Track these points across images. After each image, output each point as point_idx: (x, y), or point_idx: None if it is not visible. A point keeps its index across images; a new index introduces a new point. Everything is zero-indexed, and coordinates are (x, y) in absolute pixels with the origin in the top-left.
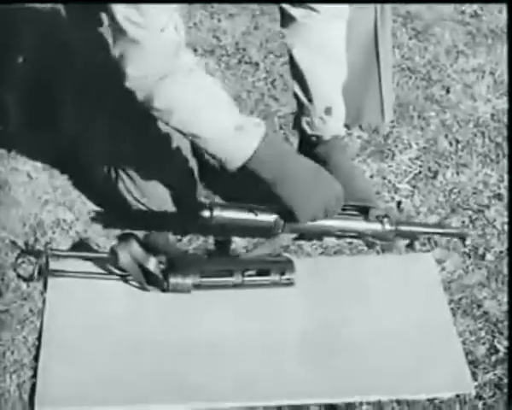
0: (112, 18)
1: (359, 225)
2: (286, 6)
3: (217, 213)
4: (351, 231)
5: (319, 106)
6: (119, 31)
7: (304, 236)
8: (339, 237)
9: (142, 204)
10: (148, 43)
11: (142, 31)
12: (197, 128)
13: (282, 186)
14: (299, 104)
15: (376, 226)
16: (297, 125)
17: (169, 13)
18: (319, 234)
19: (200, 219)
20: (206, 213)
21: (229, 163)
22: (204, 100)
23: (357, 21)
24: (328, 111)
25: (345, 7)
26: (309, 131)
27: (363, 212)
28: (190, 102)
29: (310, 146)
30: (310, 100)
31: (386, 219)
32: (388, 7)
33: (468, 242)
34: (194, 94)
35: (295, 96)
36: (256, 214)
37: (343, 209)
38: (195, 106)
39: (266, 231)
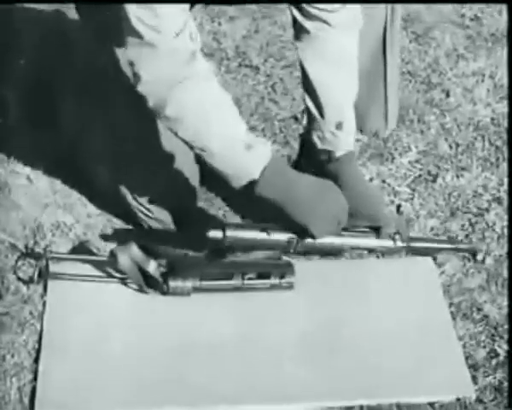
0: (125, 19)
1: (371, 242)
2: (299, 18)
3: (229, 233)
4: (363, 249)
5: (331, 120)
6: (132, 33)
7: (317, 253)
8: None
9: (144, 206)
10: (163, 46)
11: (157, 34)
12: (206, 141)
13: (292, 206)
14: (311, 118)
15: (388, 243)
16: (305, 139)
17: (184, 18)
18: (332, 252)
19: (211, 240)
20: (219, 234)
21: (234, 180)
22: (216, 113)
23: (367, 25)
24: (339, 126)
25: (358, 19)
26: (320, 146)
27: (375, 230)
28: (202, 112)
29: (320, 161)
30: (321, 114)
31: (397, 236)
32: (399, 14)
33: (479, 257)
34: (206, 105)
35: (307, 109)
36: (269, 234)
37: (354, 228)
38: (207, 117)
39: (280, 250)
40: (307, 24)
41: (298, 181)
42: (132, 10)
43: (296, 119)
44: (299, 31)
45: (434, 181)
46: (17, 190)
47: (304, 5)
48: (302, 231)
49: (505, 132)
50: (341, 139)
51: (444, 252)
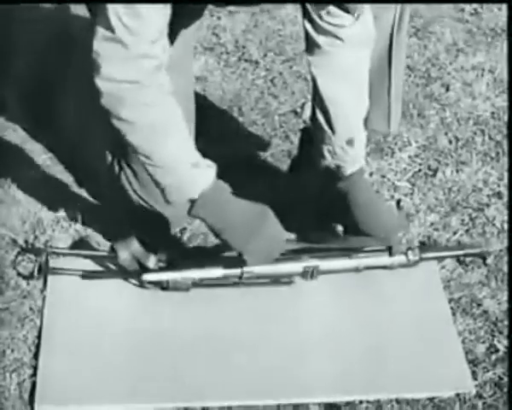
0: (102, 9)
1: (384, 260)
2: (311, 33)
3: (246, 269)
4: (377, 267)
5: (341, 136)
6: (105, 25)
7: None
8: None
9: (145, 201)
10: (134, 49)
11: (131, 36)
12: (154, 150)
13: (227, 233)
14: (322, 132)
15: (401, 259)
16: (308, 146)
17: (162, 28)
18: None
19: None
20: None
21: (172, 195)
22: (171, 127)
23: (375, 25)
24: (350, 142)
25: (370, 36)
26: (329, 160)
27: (387, 249)
28: (157, 123)
29: (329, 175)
30: (332, 129)
31: (410, 252)
32: (407, 17)
33: (489, 260)
34: (163, 117)
35: (318, 124)
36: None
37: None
38: (161, 129)
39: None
40: (319, 39)
41: (234, 208)
42: (111, 4)
43: (296, 113)
44: (311, 45)
45: (434, 176)
46: (17, 186)
47: (316, 19)
48: (238, 256)
49: (505, 127)
50: (352, 156)
51: (454, 258)
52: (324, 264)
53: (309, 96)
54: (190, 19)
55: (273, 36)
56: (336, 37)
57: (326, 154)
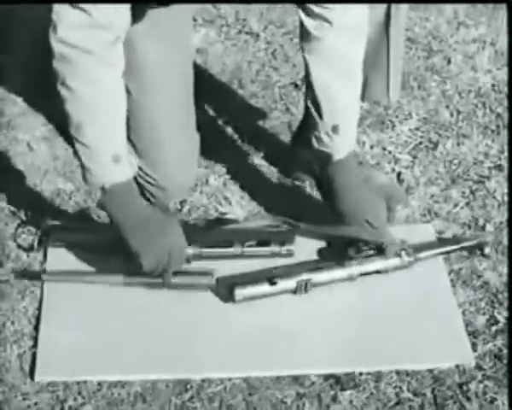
0: None
1: (379, 264)
2: (303, 18)
3: (238, 291)
4: (372, 273)
5: (327, 122)
6: None
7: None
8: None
9: (144, 172)
10: (97, 19)
11: (96, 7)
12: (83, 127)
13: (127, 232)
14: (311, 118)
15: (395, 262)
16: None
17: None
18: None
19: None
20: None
21: (87, 177)
22: (109, 105)
23: None
24: (334, 129)
25: (363, 21)
26: (316, 146)
27: (379, 250)
28: (95, 99)
29: (318, 164)
30: (320, 116)
31: (403, 252)
32: None
33: (487, 251)
34: (103, 95)
35: (307, 108)
36: (276, 283)
37: (358, 251)
38: (97, 107)
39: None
40: (309, 23)
41: (139, 210)
42: None
43: (296, 86)
44: (304, 31)
45: (435, 148)
46: (17, 158)
47: (309, 4)
48: (131, 258)
49: (506, 99)
50: (337, 143)
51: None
52: (317, 276)
53: None
54: None
55: (274, 8)
56: (326, 20)
57: (313, 141)
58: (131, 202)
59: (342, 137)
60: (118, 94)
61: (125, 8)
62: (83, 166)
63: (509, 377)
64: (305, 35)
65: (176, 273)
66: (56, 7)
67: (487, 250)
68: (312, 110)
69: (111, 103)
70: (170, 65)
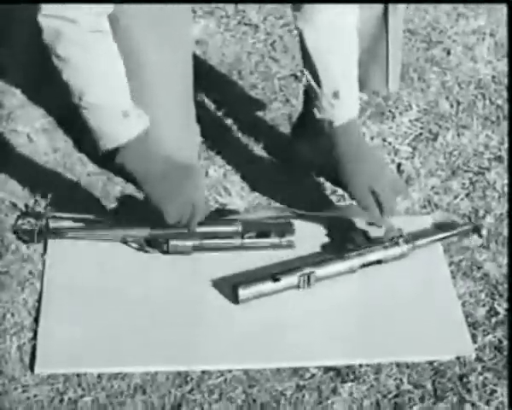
0: None
1: (378, 255)
2: None
3: (242, 291)
4: (371, 263)
5: (327, 90)
6: None
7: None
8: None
9: None
10: None
11: None
12: (85, 91)
13: (148, 186)
14: (311, 89)
15: (394, 251)
16: (307, 109)
17: None
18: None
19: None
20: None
21: (101, 141)
22: (107, 67)
23: None
24: (335, 95)
25: None
26: (318, 115)
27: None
28: (90, 64)
29: (321, 131)
30: (318, 83)
31: (401, 240)
32: None
33: (483, 232)
34: (101, 56)
35: (307, 82)
36: (279, 279)
37: (356, 245)
38: (94, 71)
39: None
40: None
41: (159, 162)
42: None
43: (296, 77)
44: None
45: (435, 140)
46: (17, 149)
47: None
48: (156, 212)
49: (506, 90)
50: (339, 108)
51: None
52: (319, 270)
53: None
54: None
55: None
56: None
57: (315, 110)
58: (149, 154)
59: (343, 101)
60: (112, 54)
61: None
62: (94, 133)
63: (508, 368)
64: (298, 4)
65: (201, 224)
66: None
67: (484, 232)
68: (311, 80)
69: (107, 64)
70: (169, 64)
